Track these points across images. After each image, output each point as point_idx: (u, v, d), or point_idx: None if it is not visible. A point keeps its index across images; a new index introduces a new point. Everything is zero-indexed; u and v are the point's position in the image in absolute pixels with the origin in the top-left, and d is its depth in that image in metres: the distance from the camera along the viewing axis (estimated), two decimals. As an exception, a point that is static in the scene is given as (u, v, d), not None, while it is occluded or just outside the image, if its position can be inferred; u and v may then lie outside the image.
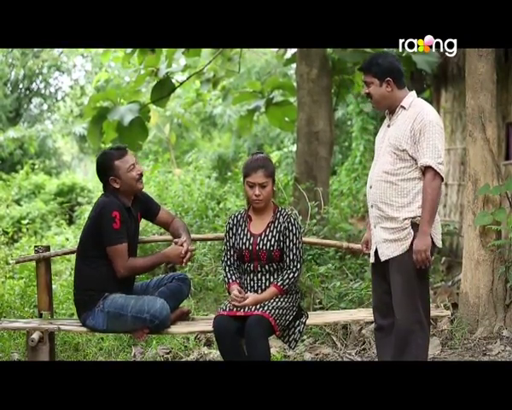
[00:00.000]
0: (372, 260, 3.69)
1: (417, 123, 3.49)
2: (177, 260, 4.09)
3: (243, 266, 3.97)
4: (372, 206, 3.63)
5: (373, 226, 3.66)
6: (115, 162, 4.00)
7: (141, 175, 4.06)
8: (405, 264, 3.50)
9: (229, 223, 4.03)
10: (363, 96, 11.20)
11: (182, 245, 4.06)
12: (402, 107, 3.59)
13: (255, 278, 3.94)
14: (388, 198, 3.54)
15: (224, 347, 3.77)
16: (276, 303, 3.82)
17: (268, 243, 3.89)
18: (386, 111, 3.71)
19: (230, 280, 3.95)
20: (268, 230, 3.93)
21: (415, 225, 3.49)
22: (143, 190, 4.19)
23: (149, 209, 4.24)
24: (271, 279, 3.92)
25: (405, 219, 3.50)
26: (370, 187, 3.63)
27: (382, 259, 3.59)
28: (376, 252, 3.64)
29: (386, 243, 3.56)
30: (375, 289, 3.78)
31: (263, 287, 3.92)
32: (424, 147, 3.46)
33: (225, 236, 4.04)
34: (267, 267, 3.92)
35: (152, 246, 7.14)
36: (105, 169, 4.03)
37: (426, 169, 3.47)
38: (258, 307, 3.78)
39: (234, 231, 3.99)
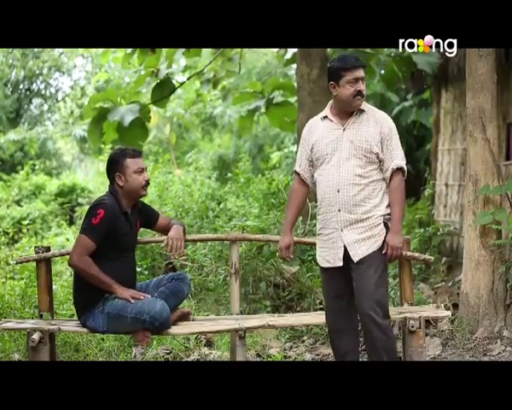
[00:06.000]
0: (340, 263, 3.65)
1: (385, 127, 3.64)
2: (123, 297, 3.93)
3: None
4: (340, 210, 3.63)
5: (338, 230, 3.65)
6: (126, 159, 4.02)
7: (147, 183, 4.06)
8: (379, 259, 3.61)
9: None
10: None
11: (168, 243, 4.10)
12: (361, 109, 3.66)
13: None
14: (362, 201, 3.61)
15: None
16: None
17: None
18: (325, 114, 3.73)
19: None
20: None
21: (385, 224, 3.63)
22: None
23: (149, 217, 4.25)
24: None
25: (378, 216, 3.62)
26: (338, 191, 3.63)
27: (356, 259, 3.61)
28: (343, 255, 3.64)
29: (359, 243, 3.61)
30: (330, 293, 3.78)
31: None
32: (394, 149, 3.63)
33: None
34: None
35: (152, 247, 7.15)
36: (115, 163, 4.04)
37: (397, 170, 3.63)
38: None
39: None
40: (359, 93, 3.60)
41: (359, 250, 3.60)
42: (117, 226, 3.95)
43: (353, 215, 3.60)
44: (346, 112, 3.67)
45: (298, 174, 3.87)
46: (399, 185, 3.63)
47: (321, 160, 3.70)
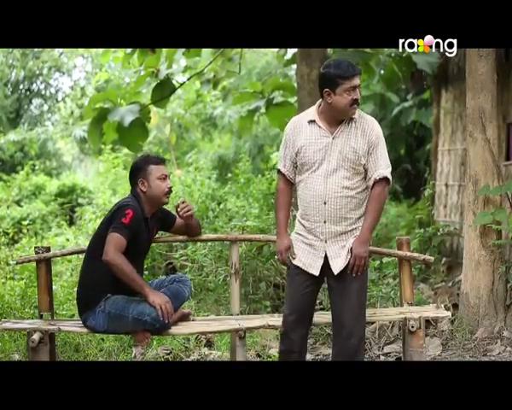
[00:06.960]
0: (316, 273, 3.60)
1: (373, 136, 3.54)
2: (154, 304, 3.87)
3: None
4: (325, 221, 3.55)
5: (322, 241, 3.58)
6: (150, 166, 4.06)
7: (170, 190, 4.09)
8: (362, 273, 3.56)
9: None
10: (363, 97, 11.22)
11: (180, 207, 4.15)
12: (352, 118, 3.55)
13: None
14: (348, 212, 3.54)
15: None
16: None
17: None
18: (313, 118, 3.62)
19: None
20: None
21: None
22: None
23: (166, 220, 4.28)
24: None
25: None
26: (324, 203, 3.53)
27: (336, 272, 3.56)
28: (323, 266, 3.59)
29: (340, 255, 3.56)
30: (293, 288, 3.72)
31: None
32: (379, 158, 3.54)
33: None
34: None
35: (152, 247, 7.12)
36: (138, 169, 4.07)
37: (379, 180, 3.53)
38: None
39: None
40: (355, 102, 3.49)
41: (340, 263, 3.55)
42: (139, 230, 3.96)
43: (339, 227, 3.54)
44: (337, 119, 3.56)
45: (283, 174, 3.73)
46: (379, 195, 3.53)
47: (307, 166, 3.58)
